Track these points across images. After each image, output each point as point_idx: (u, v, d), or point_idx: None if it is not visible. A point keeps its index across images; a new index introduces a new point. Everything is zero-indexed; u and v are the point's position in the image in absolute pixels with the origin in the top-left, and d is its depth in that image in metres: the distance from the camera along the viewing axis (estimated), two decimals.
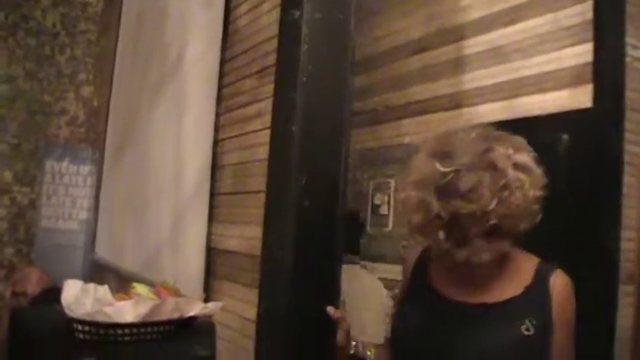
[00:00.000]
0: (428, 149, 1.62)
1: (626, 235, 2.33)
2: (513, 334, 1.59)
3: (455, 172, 1.52)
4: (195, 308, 2.09)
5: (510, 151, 1.55)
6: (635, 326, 2.37)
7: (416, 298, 1.82)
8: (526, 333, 1.58)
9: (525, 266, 1.70)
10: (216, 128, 2.61)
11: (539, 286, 1.64)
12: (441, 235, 1.57)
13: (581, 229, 2.24)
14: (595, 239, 2.24)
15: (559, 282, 1.64)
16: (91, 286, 2.14)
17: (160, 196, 2.98)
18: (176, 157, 2.82)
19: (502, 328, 1.61)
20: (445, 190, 1.53)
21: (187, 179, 2.68)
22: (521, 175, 1.53)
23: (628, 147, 2.37)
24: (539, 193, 1.56)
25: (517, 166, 1.54)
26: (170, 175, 2.86)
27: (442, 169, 1.53)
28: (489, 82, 2.77)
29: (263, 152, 2.18)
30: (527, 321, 1.59)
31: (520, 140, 1.61)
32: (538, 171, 1.58)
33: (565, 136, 2.20)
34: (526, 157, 1.57)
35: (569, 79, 2.45)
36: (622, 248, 2.29)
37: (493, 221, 1.51)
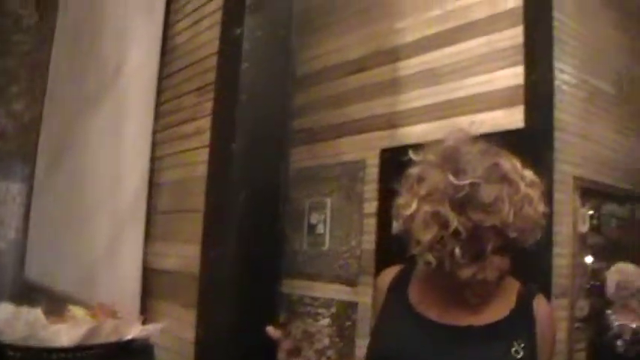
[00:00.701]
0: (433, 163, 1.56)
1: (558, 251, 2.41)
2: (504, 356, 1.56)
3: (471, 185, 1.45)
4: (134, 330, 2.04)
5: (517, 165, 1.54)
6: (568, 339, 2.45)
7: (396, 320, 1.74)
8: (515, 356, 1.56)
9: (508, 288, 1.69)
10: (154, 145, 2.57)
11: (523, 310, 1.62)
12: (457, 251, 1.49)
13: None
14: (528, 256, 2.29)
15: (542, 307, 1.64)
16: (23, 309, 2.05)
17: (96, 213, 2.92)
18: (112, 174, 2.78)
19: (492, 350, 1.58)
20: (463, 203, 1.46)
21: (124, 197, 2.64)
22: (530, 190, 1.50)
23: (558, 166, 2.45)
24: (545, 208, 1.54)
25: (525, 180, 1.51)
26: (106, 193, 2.81)
27: (457, 182, 1.47)
28: (425, 102, 2.82)
29: (202, 170, 2.17)
30: (515, 344, 1.56)
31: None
32: (542, 186, 1.56)
33: None
34: (530, 172, 1.55)
35: (502, 100, 2.52)
36: (554, 264, 2.36)
37: (513, 234, 1.47)
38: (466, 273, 1.54)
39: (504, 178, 1.49)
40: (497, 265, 1.54)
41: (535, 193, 1.52)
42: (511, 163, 1.53)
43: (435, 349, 1.61)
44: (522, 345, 1.56)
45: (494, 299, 1.65)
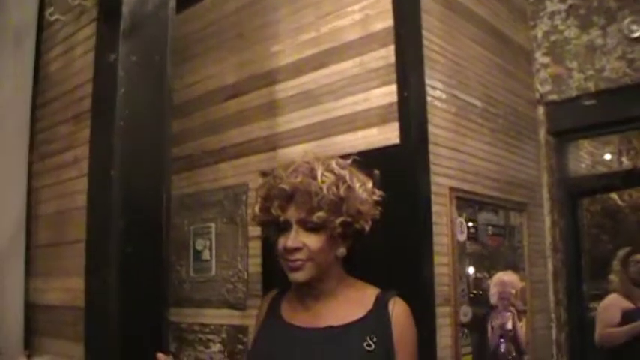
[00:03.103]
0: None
1: (439, 260, 2.49)
2: (357, 350, 1.73)
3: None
4: None
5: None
6: (454, 344, 2.53)
7: (268, 332, 1.96)
8: (367, 348, 1.76)
9: (367, 293, 1.90)
10: (31, 177, 2.49)
11: (379, 310, 1.82)
12: None
13: (398, 258, 2.35)
14: (412, 266, 2.37)
15: (397, 307, 1.84)
16: None
17: None
18: None
19: (347, 346, 1.77)
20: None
21: (2, 232, 2.53)
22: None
23: (434, 178, 2.55)
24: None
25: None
26: None
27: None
28: (302, 123, 2.87)
29: (81, 200, 2.11)
30: (368, 338, 1.74)
31: None
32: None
33: (377, 172, 2.31)
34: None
35: (377, 118, 2.59)
36: (436, 272, 2.45)
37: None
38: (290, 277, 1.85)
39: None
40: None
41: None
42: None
43: (299, 349, 1.83)
44: (375, 339, 1.78)
45: (352, 302, 1.88)
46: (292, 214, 1.82)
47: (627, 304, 3.95)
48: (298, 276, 1.83)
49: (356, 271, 2.01)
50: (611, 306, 3.99)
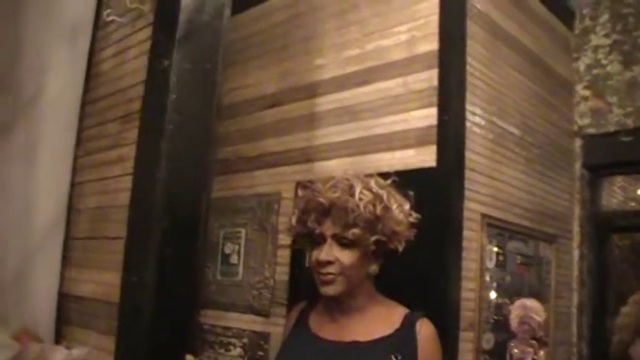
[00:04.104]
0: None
1: (466, 285, 2.50)
2: None
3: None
4: (59, 355, 2.01)
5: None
6: None
7: (294, 341, 1.99)
8: None
9: (395, 312, 1.94)
10: (75, 171, 2.54)
11: (406, 329, 1.84)
12: None
13: (426, 280, 2.37)
14: (438, 290, 2.38)
15: (424, 328, 1.86)
16: None
17: (6, 239, 2.84)
18: (27, 198, 2.71)
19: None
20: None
21: (39, 221, 2.58)
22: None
23: (467, 203, 2.56)
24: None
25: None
26: (18, 217, 2.74)
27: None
28: (340, 138, 2.89)
29: (123, 198, 2.16)
30: (392, 356, 1.76)
31: None
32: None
33: (411, 193, 2.33)
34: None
35: (415, 139, 2.60)
36: (462, 297, 2.46)
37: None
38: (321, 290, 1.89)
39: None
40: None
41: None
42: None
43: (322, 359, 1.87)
44: (400, 357, 1.82)
45: (380, 319, 1.92)
46: (328, 228, 1.85)
47: None
48: (329, 290, 1.86)
49: (385, 290, 2.04)
50: None
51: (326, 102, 2.99)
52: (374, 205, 1.83)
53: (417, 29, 2.71)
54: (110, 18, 2.44)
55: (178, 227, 1.93)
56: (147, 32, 2.19)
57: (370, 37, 2.88)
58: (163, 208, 1.90)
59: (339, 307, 1.93)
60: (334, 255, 1.84)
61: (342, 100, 2.92)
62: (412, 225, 1.96)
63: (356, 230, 1.81)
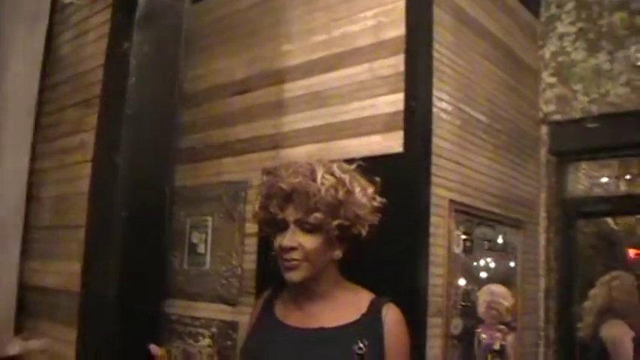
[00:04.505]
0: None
1: (434, 271, 2.50)
2: (347, 352, 1.74)
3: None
4: (16, 347, 1.97)
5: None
6: (443, 355, 2.54)
7: (260, 330, 1.99)
8: (358, 352, 1.76)
9: (361, 297, 1.94)
10: (34, 158, 2.48)
11: (372, 314, 1.84)
12: None
13: (393, 266, 2.36)
14: (406, 276, 2.38)
15: (390, 313, 1.86)
16: None
17: None
18: None
19: (337, 348, 1.79)
20: None
21: (1, 211, 2.52)
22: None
23: (434, 189, 2.56)
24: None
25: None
26: None
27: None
28: (308, 124, 2.87)
29: (83, 185, 2.12)
30: (359, 341, 1.75)
31: None
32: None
33: (377, 179, 2.32)
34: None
35: (382, 125, 2.59)
36: (430, 283, 2.46)
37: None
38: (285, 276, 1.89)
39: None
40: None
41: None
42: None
43: (290, 348, 1.87)
44: (367, 343, 1.80)
45: (346, 305, 1.92)
46: (290, 213, 1.85)
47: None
48: (293, 275, 1.85)
49: (352, 276, 2.03)
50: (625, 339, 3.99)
51: (294, 88, 2.97)
52: (336, 190, 1.82)
53: (384, 15, 2.69)
54: (68, 0, 2.38)
55: (141, 215, 1.90)
56: (106, 14, 2.15)
57: (337, 23, 2.86)
58: (124, 195, 1.86)
59: (305, 293, 1.92)
60: (297, 240, 1.83)
61: (309, 86, 2.90)
62: (376, 209, 1.95)
63: (318, 215, 1.80)
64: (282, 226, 1.86)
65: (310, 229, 1.83)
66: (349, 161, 2.02)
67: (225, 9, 3.44)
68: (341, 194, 1.83)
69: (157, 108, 1.97)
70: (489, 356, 2.91)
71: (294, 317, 1.93)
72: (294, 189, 1.82)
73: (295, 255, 1.83)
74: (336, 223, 1.82)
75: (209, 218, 3.25)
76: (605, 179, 4.80)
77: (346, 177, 1.88)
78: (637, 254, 6.04)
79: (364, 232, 1.90)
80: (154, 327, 1.97)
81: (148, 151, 1.95)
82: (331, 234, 1.84)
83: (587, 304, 4.26)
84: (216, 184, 3.25)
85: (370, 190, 1.95)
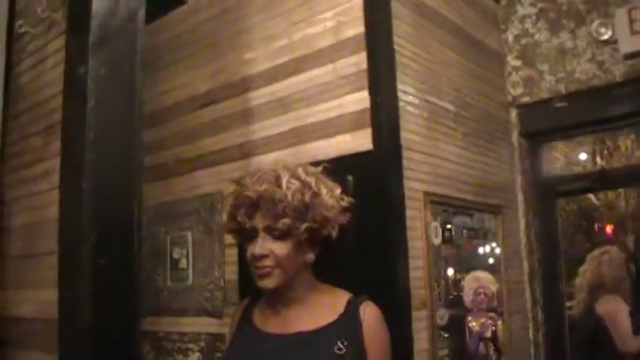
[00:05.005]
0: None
1: (414, 264, 2.50)
2: (327, 354, 1.74)
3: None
4: None
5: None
6: (430, 347, 2.54)
7: (240, 339, 1.99)
8: (338, 352, 1.77)
9: (338, 298, 1.93)
10: (1, 189, 2.46)
11: (350, 314, 1.84)
12: None
13: (373, 264, 2.36)
14: (387, 272, 2.38)
15: (368, 311, 1.86)
16: None
17: None
18: None
19: (317, 350, 1.79)
20: None
21: None
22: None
23: (407, 183, 2.56)
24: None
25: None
26: None
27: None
28: (276, 130, 2.87)
29: (53, 212, 2.09)
30: (338, 342, 1.75)
31: None
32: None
33: (350, 178, 2.32)
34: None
35: (350, 124, 2.60)
36: (412, 277, 2.46)
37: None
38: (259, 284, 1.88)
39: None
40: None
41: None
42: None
43: (270, 355, 1.87)
44: (346, 343, 1.80)
45: (323, 308, 1.91)
46: (258, 221, 1.84)
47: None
48: (266, 283, 1.85)
49: (331, 278, 2.02)
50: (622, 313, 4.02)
51: (259, 96, 2.98)
52: (302, 193, 1.82)
53: (343, 14, 2.70)
54: (23, 29, 2.36)
55: (110, 237, 1.88)
56: (61, 41, 2.13)
57: (297, 27, 2.87)
58: (92, 218, 1.84)
59: (280, 299, 1.92)
60: (268, 248, 1.82)
61: (274, 92, 2.91)
62: (345, 209, 1.94)
63: (286, 220, 1.80)
64: (252, 235, 1.85)
65: (280, 235, 1.82)
66: (319, 163, 2.01)
67: (184, 24, 3.44)
68: (307, 197, 1.82)
69: (118, 129, 1.95)
70: (482, 344, 2.92)
71: (272, 324, 1.93)
72: (261, 196, 1.82)
73: (267, 262, 1.83)
74: (304, 226, 1.82)
75: (188, 233, 3.25)
76: (581, 156, 4.84)
77: (312, 180, 1.87)
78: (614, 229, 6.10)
79: (334, 234, 1.89)
80: (133, 347, 1.94)
81: (114, 172, 1.93)
82: (301, 238, 1.84)
83: (577, 280, 4.29)
84: (192, 198, 3.25)
85: (337, 190, 1.94)
